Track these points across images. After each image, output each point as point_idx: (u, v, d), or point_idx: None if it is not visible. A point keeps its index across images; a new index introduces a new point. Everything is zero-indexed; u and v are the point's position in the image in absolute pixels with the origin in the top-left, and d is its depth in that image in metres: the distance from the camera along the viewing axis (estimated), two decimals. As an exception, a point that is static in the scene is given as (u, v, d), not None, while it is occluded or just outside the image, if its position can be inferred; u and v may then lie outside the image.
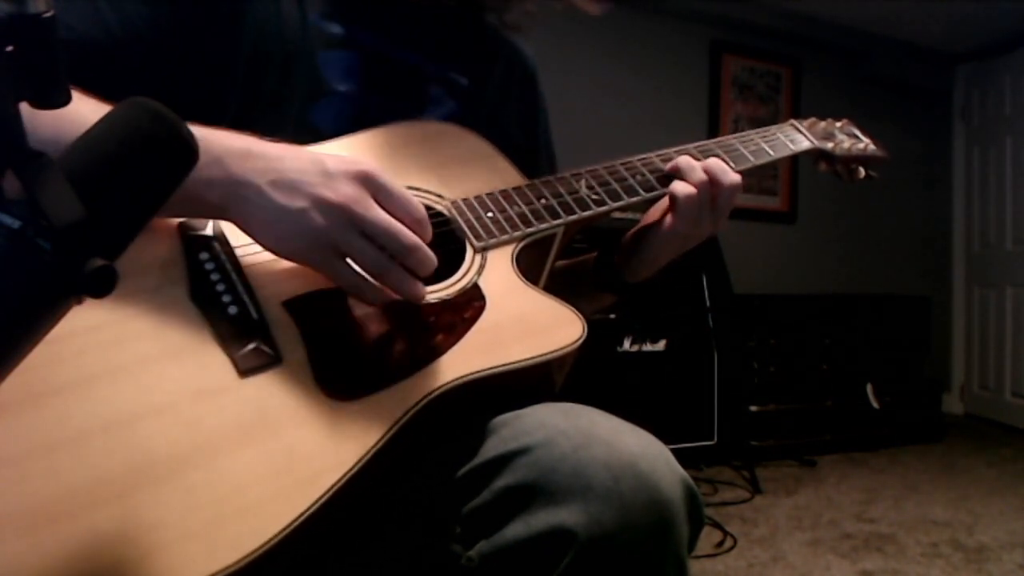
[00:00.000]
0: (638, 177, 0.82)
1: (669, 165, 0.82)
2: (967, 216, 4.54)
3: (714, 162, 0.81)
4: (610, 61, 3.50)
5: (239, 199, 0.60)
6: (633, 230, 0.86)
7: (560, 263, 0.92)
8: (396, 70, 0.84)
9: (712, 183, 0.79)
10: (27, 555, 0.45)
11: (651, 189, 0.81)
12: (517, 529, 0.54)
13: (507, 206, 0.75)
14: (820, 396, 3.37)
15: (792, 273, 3.98)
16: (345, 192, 0.61)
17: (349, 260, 0.62)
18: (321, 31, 0.79)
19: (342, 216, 0.60)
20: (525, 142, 0.95)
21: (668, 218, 0.81)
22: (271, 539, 0.49)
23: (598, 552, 0.52)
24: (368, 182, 0.62)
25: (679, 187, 0.79)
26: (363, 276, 0.62)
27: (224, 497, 0.50)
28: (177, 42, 0.71)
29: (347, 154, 0.72)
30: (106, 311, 0.56)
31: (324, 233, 0.60)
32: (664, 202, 0.83)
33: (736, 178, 0.80)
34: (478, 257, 0.71)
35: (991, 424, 4.14)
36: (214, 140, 0.59)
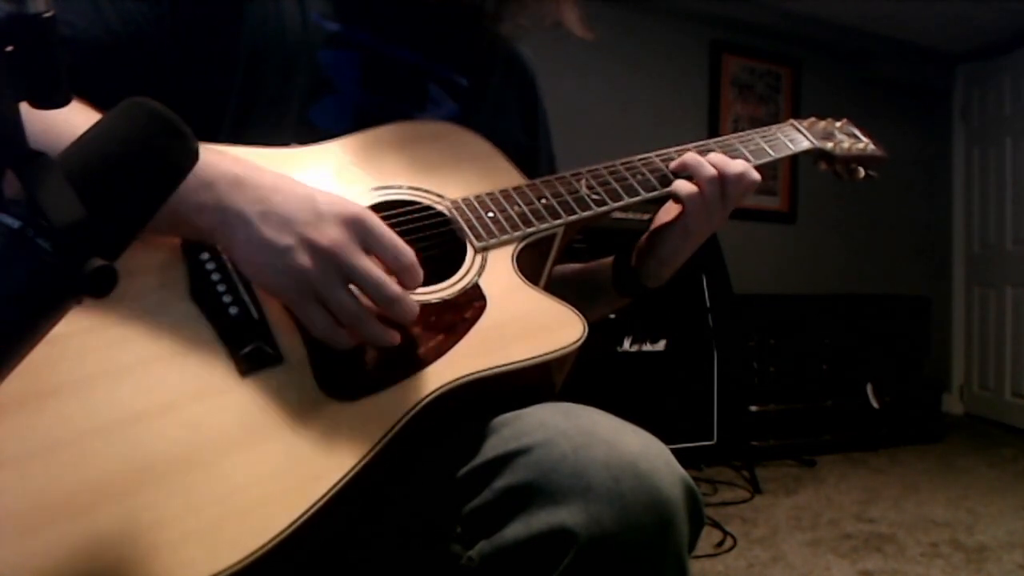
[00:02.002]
0: (638, 177, 0.82)
1: (675, 163, 0.82)
2: (967, 216, 4.53)
3: (717, 156, 0.81)
4: (610, 61, 3.50)
5: (226, 227, 0.59)
6: (647, 233, 0.85)
7: (572, 267, 0.92)
8: (396, 70, 0.84)
9: (721, 177, 0.79)
10: (28, 555, 0.45)
11: (651, 189, 0.82)
12: (517, 529, 0.54)
13: (507, 206, 0.75)
14: (820, 396, 3.37)
15: (792, 273, 3.97)
16: (333, 236, 0.59)
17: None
18: (321, 30, 0.79)
19: (327, 261, 0.58)
20: (525, 143, 0.96)
21: (680, 216, 0.81)
22: (271, 539, 0.49)
23: (598, 552, 0.52)
24: (357, 227, 0.60)
25: (685, 186, 0.80)
26: (335, 326, 0.59)
27: (225, 497, 0.50)
28: (177, 41, 0.71)
29: (345, 153, 0.72)
30: (107, 311, 0.56)
31: (305, 275, 0.58)
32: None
33: (738, 167, 0.80)
34: (478, 257, 0.71)
35: (991, 424, 4.14)
36: (209, 164, 0.59)
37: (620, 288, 0.88)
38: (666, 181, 0.82)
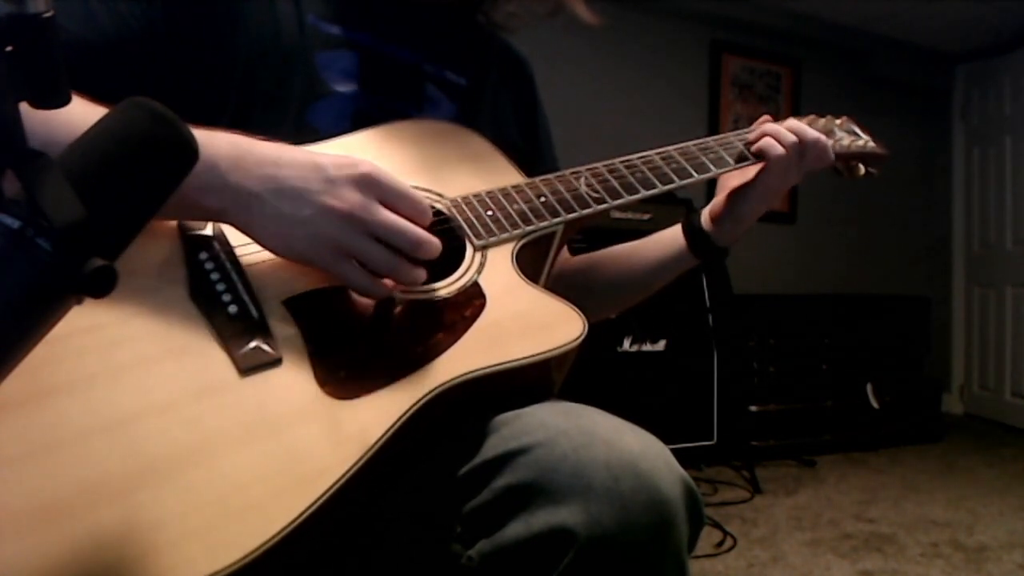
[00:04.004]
0: (638, 175, 0.82)
1: (755, 133, 0.88)
2: (967, 216, 4.53)
3: (792, 123, 0.88)
4: (610, 60, 3.50)
5: (239, 208, 0.60)
6: (723, 195, 0.89)
7: (625, 245, 0.96)
8: (394, 70, 0.84)
9: (800, 141, 0.86)
10: (27, 555, 0.45)
11: (651, 187, 0.82)
12: (517, 529, 0.54)
13: (507, 204, 0.75)
14: (820, 396, 3.37)
15: (792, 273, 3.97)
16: (351, 199, 0.62)
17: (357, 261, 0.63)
18: (319, 32, 0.79)
19: (351, 224, 0.61)
20: (524, 142, 0.96)
21: (763, 176, 0.86)
22: (271, 538, 0.48)
23: (598, 552, 0.52)
24: (371, 184, 0.63)
25: (774, 149, 0.85)
26: (371, 277, 0.63)
27: (224, 496, 0.50)
28: (172, 44, 0.71)
29: (345, 153, 0.72)
30: (106, 311, 0.56)
31: (333, 240, 0.61)
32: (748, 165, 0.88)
33: (813, 132, 0.87)
34: (478, 255, 0.71)
35: (991, 424, 4.14)
36: (207, 144, 0.59)
37: (696, 251, 0.90)
38: (665, 180, 0.82)
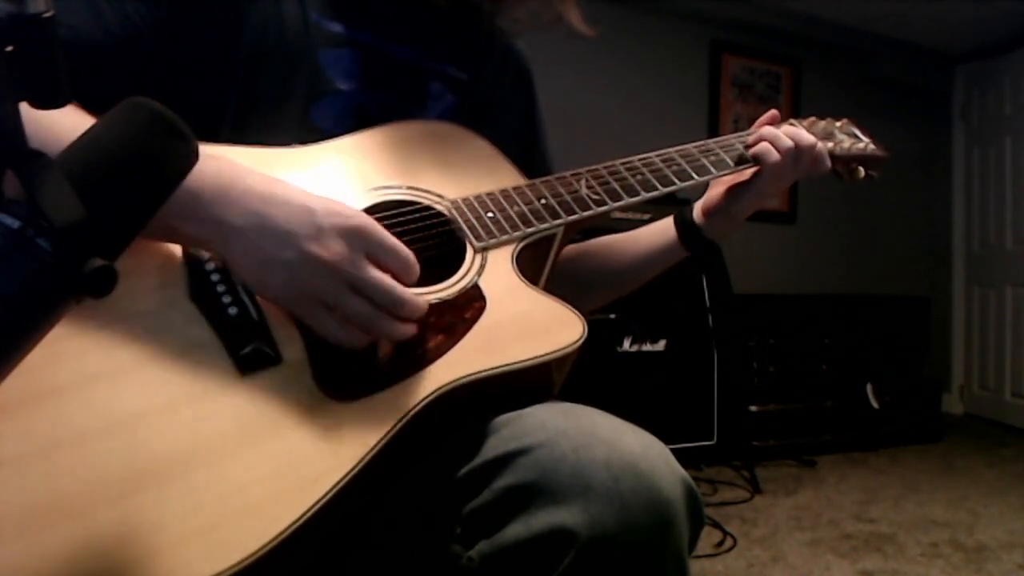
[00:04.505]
0: (638, 177, 0.82)
1: (754, 136, 0.88)
2: (967, 216, 4.53)
3: (790, 129, 0.88)
4: (610, 60, 3.50)
5: (221, 241, 0.59)
6: (716, 191, 0.89)
7: (615, 236, 0.96)
8: (396, 67, 0.84)
9: (796, 147, 0.85)
10: (27, 556, 0.45)
11: (651, 189, 0.82)
12: (517, 529, 0.54)
13: (507, 206, 0.75)
14: (820, 396, 3.37)
15: (792, 273, 3.97)
16: (336, 250, 0.59)
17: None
18: (322, 30, 0.79)
19: (334, 275, 0.59)
20: (524, 134, 0.96)
21: (757, 179, 0.86)
22: (272, 540, 0.49)
23: (598, 552, 0.52)
24: (360, 238, 0.60)
25: (770, 155, 0.84)
26: (346, 328, 0.60)
27: (224, 498, 0.50)
28: (177, 42, 0.71)
29: (344, 154, 0.72)
30: (107, 311, 0.55)
31: (312, 289, 0.59)
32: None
33: (810, 139, 0.87)
34: (478, 257, 0.71)
35: (991, 424, 4.14)
36: (193, 171, 0.58)
37: (686, 243, 0.90)
38: (666, 182, 0.82)
